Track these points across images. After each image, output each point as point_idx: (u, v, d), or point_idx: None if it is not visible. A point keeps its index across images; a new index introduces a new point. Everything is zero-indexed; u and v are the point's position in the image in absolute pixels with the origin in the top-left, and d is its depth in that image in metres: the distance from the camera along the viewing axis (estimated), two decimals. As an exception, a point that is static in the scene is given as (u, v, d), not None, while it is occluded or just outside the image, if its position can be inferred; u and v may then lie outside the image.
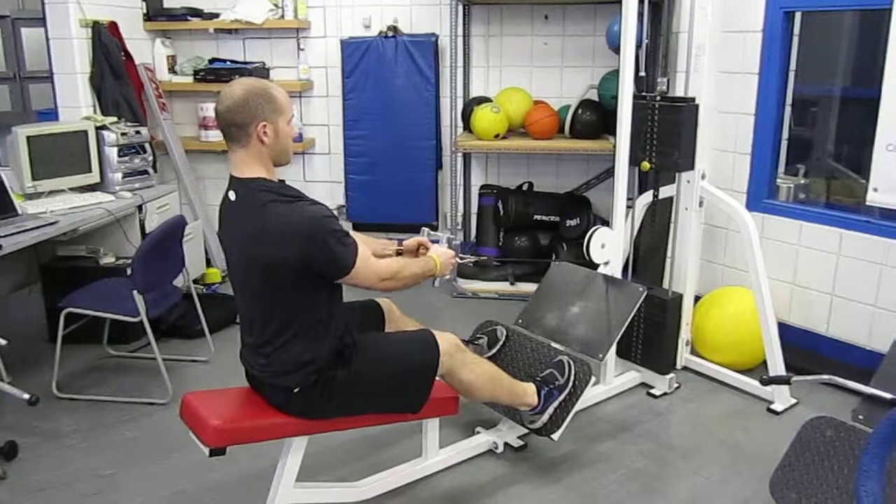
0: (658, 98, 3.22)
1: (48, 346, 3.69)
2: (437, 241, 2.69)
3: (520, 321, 3.27)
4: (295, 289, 2.19)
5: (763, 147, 3.70)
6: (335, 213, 2.24)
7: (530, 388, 2.72)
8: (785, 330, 3.43)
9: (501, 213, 4.78)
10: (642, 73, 3.31)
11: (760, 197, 3.74)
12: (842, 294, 3.46)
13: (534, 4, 4.74)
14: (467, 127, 4.73)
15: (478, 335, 3.15)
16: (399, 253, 2.70)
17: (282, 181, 2.24)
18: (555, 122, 4.59)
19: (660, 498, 2.67)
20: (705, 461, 2.88)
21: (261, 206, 2.12)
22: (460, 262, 2.76)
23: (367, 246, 2.32)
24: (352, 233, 2.27)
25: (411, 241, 2.71)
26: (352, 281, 2.22)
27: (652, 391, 3.40)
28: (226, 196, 2.25)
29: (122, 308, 3.22)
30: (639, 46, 3.11)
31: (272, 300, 2.22)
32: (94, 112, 4.33)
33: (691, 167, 3.26)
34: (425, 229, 2.77)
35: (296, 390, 2.24)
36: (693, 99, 3.21)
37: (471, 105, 4.71)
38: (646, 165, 3.25)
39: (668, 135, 3.18)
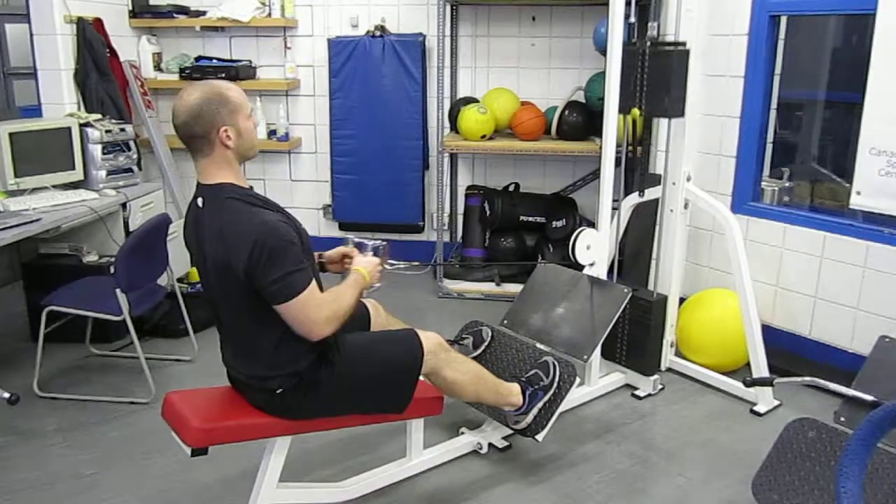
0: (648, 43, 3.17)
1: (29, 344, 3.66)
2: (362, 248, 2.51)
3: (505, 322, 3.28)
4: (252, 308, 2.11)
5: (748, 150, 3.72)
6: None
7: (515, 388, 2.72)
8: (768, 332, 3.45)
9: (488, 213, 4.78)
10: (632, 20, 3.24)
11: (745, 199, 3.76)
12: (825, 296, 3.48)
13: (521, 6, 4.75)
14: (454, 127, 4.73)
15: (463, 335, 3.14)
16: (321, 265, 2.54)
17: (250, 188, 2.21)
18: (541, 124, 4.60)
19: (643, 499, 2.68)
20: (688, 462, 2.89)
21: (226, 211, 2.09)
22: (389, 268, 2.56)
23: None
24: None
25: (334, 252, 2.53)
26: (290, 313, 2.06)
27: (636, 392, 3.41)
28: (194, 202, 2.23)
29: (104, 307, 3.19)
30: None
31: (234, 313, 2.18)
32: (79, 109, 4.30)
33: (681, 113, 3.21)
34: (350, 238, 2.57)
35: (278, 391, 2.22)
36: (684, 43, 3.17)
37: (458, 105, 4.71)
38: (635, 112, 3.18)
39: (658, 80, 3.13)
